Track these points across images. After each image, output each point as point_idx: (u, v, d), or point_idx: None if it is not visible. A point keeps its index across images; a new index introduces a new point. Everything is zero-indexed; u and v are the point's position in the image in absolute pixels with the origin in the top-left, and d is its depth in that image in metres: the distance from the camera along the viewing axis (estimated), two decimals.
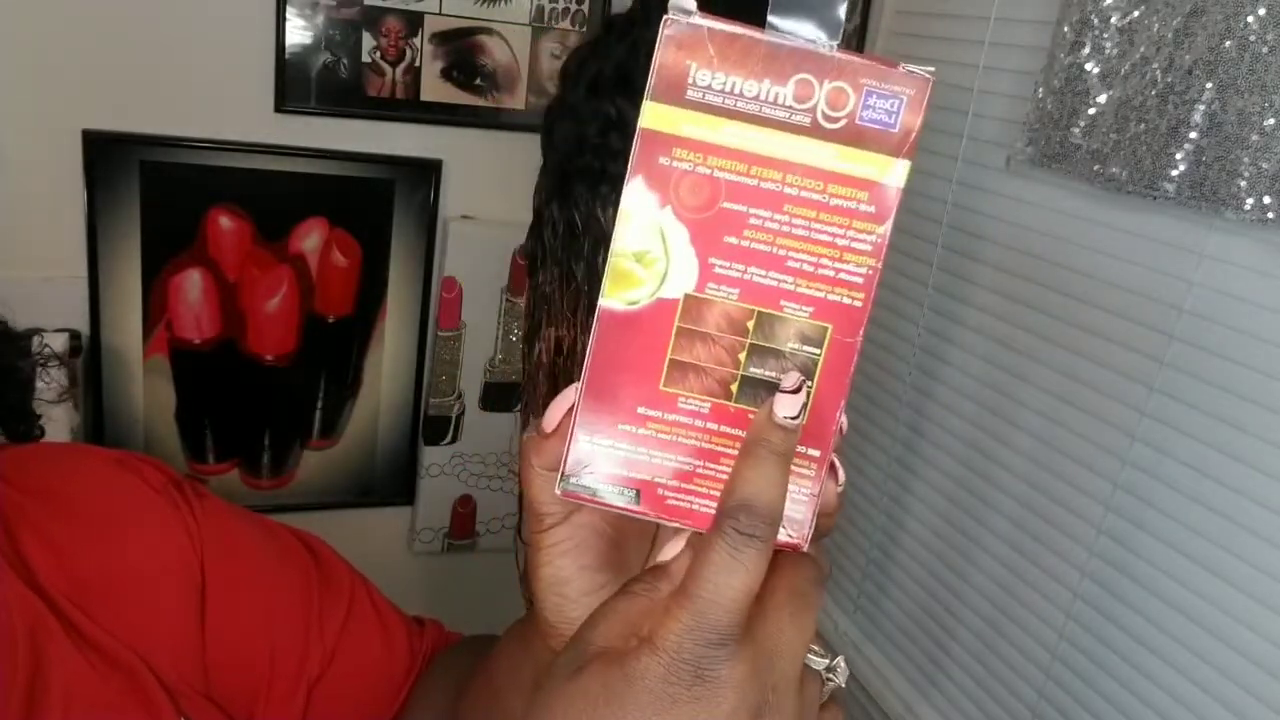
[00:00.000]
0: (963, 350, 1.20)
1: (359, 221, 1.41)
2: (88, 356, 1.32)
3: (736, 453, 0.33)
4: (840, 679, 0.33)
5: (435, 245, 1.46)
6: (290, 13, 1.28)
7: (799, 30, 0.31)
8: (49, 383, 0.66)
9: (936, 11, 1.27)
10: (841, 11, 0.31)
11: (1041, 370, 1.08)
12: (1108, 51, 0.95)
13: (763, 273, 0.31)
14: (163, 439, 1.41)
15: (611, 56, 1.03)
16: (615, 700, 0.28)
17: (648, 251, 0.31)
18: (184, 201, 1.32)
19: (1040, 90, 1.02)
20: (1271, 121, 0.81)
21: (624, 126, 0.98)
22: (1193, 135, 0.87)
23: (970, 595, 1.18)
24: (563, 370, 1.15)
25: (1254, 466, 0.86)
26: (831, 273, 0.32)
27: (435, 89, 1.38)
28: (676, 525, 0.33)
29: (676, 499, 0.33)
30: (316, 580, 0.60)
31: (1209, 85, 0.86)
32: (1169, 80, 0.89)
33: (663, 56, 0.30)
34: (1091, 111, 0.96)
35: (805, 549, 0.33)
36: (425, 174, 1.41)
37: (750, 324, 0.32)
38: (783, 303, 0.32)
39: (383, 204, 1.41)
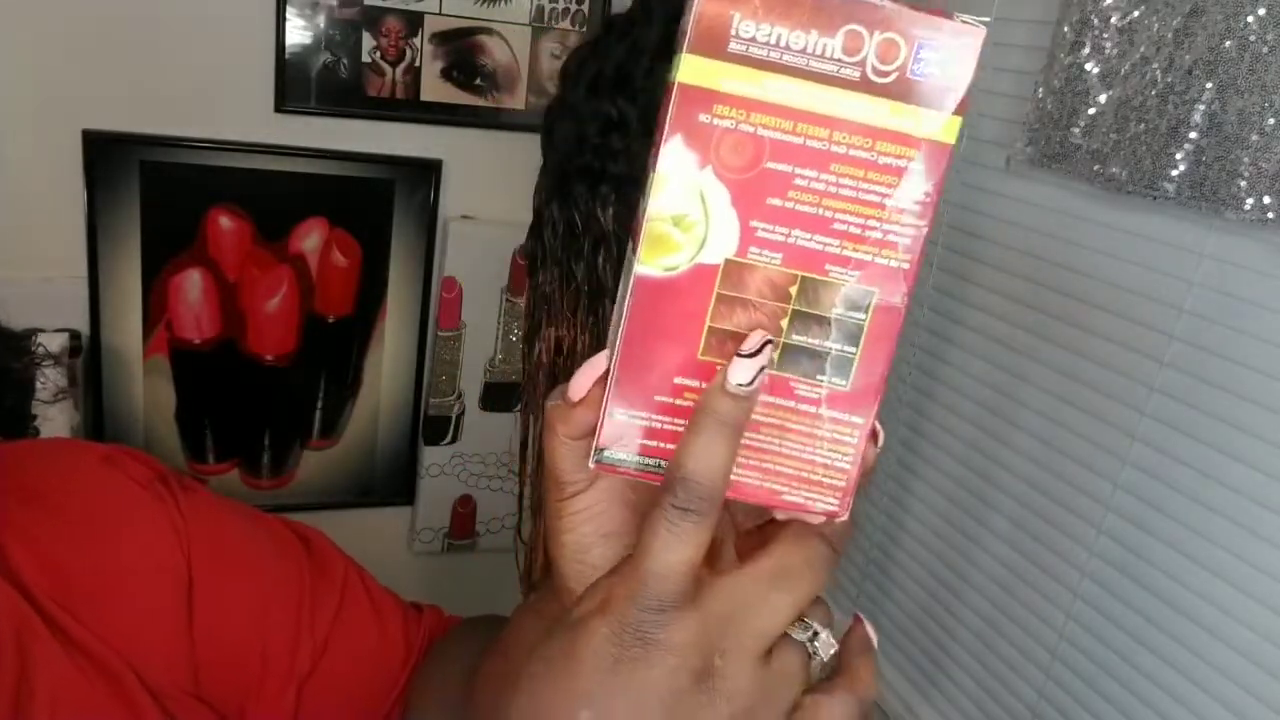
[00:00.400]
0: (963, 350, 1.20)
1: (359, 221, 1.41)
2: (88, 356, 1.32)
3: (776, 423, 0.32)
4: (823, 653, 0.33)
5: (435, 245, 1.46)
6: (290, 13, 1.28)
7: None
8: (44, 383, 0.65)
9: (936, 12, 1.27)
10: None
11: (1041, 370, 1.08)
12: (1108, 51, 0.95)
13: (807, 236, 0.30)
14: (163, 439, 1.41)
15: (611, 56, 1.02)
16: (571, 663, 0.30)
17: (686, 215, 0.30)
18: (184, 201, 1.32)
19: (1040, 90, 1.02)
20: (1271, 121, 0.81)
21: (624, 126, 0.98)
22: (1193, 135, 0.87)
23: (970, 595, 1.18)
24: (563, 370, 1.15)
25: (1254, 466, 0.86)
26: (879, 234, 0.30)
27: (435, 89, 1.38)
28: None
29: None
30: (309, 571, 0.60)
31: (1209, 85, 0.86)
32: (1169, 80, 0.89)
33: (702, 6, 0.28)
34: (1091, 111, 0.96)
35: (844, 518, 0.33)
36: (425, 174, 1.41)
37: (793, 289, 0.31)
38: (828, 266, 0.31)
39: (383, 204, 1.41)
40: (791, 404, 0.32)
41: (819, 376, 0.32)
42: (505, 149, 1.44)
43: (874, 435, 0.33)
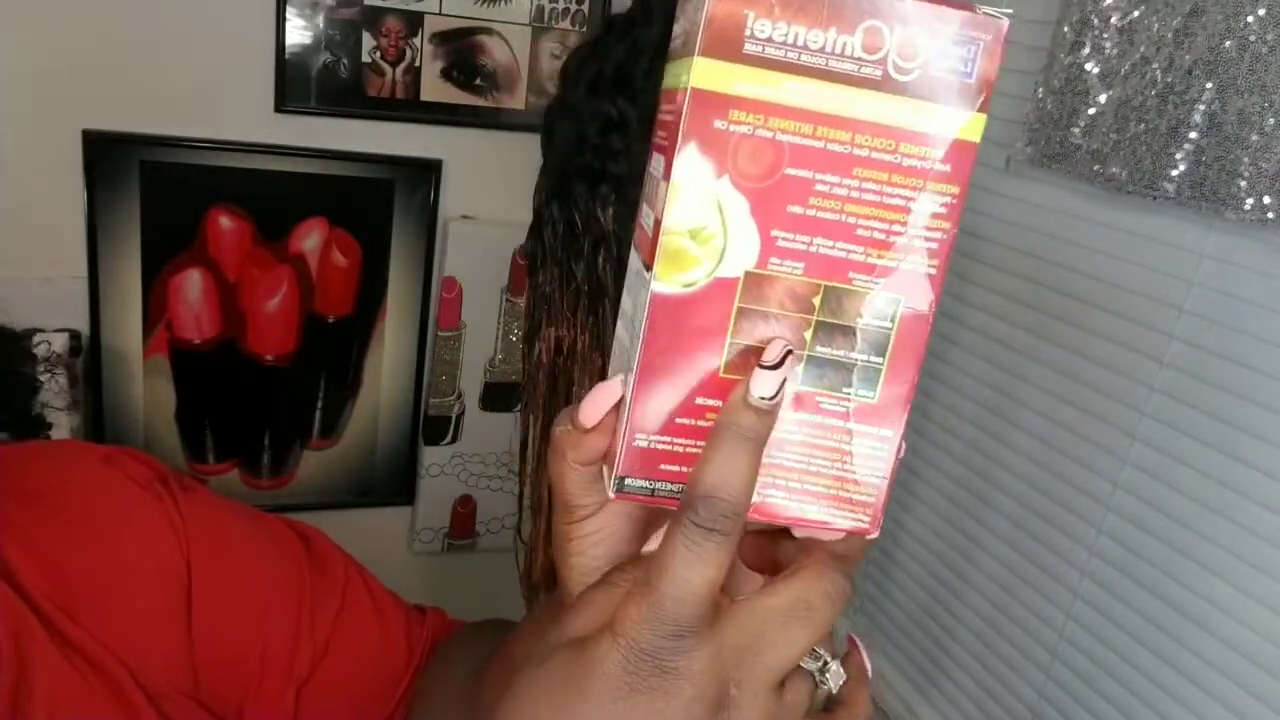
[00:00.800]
0: (963, 350, 1.20)
1: (359, 221, 1.41)
2: (88, 356, 1.32)
3: (802, 439, 0.31)
4: (832, 683, 0.32)
5: (435, 245, 1.46)
6: (290, 13, 1.28)
7: None
8: (58, 390, 0.65)
9: None
10: None
11: (1041, 370, 1.08)
12: (1108, 51, 0.95)
13: (830, 243, 0.29)
14: (163, 439, 1.41)
15: (611, 56, 1.02)
16: (575, 687, 0.28)
17: (704, 227, 0.28)
18: (184, 201, 1.32)
19: (1040, 90, 1.02)
20: (1271, 121, 0.81)
21: (624, 126, 0.98)
22: (1193, 135, 0.87)
23: (970, 595, 1.18)
24: (563, 370, 1.15)
25: (1254, 466, 0.86)
26: (904, 240, 0.29)
27: (435, 89, 1.38)
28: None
29: None
30: (309, 571, 0.59)
31: (1209, 85, 0.86)
32: (1169, 80, 0.89)
33: (714, 6, 0.27)
34: (1091, 111, 0.96)
35: (875, 535, 0.32)
36: (425, 174, 1.41)
37: (816, 300, 0.29)
38: (851, 274, 0.29)
39: (383, 204, 1.41)
40: (818, 419, 0.31)
41: (845, 389, 0.30)
42: (505, 149, 1.44)
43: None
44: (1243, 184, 0.83)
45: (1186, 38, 0.88)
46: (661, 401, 0.30)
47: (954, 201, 0.29)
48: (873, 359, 0.30)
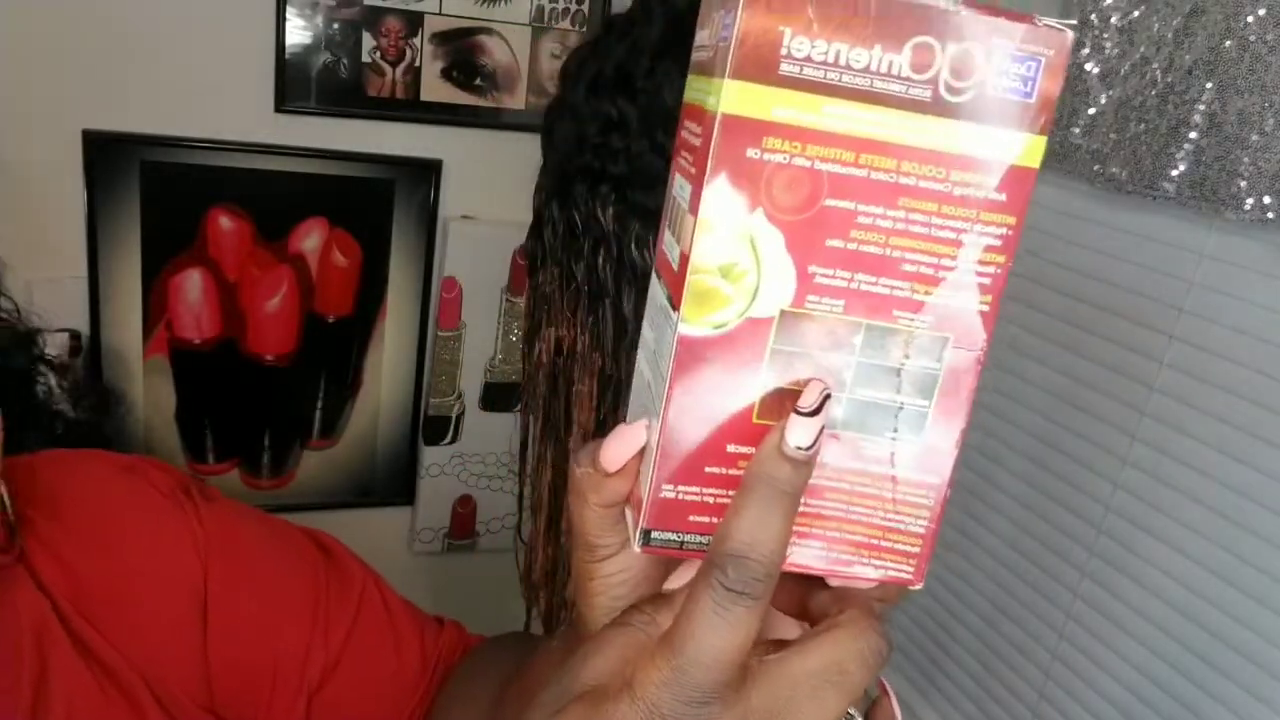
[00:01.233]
0: None
1: (359, 221, 1.41)
2: (88, 356, 1.32)
3: (843, 487, 0.29)
4: None
5: (435, 245, 1.46)
6: (290, 13, 1.28)
7: None
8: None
9: None
10: None
11: (1041, 370, 1.08)
12: (1108, 51, 0.95)
13: (872, 279, 0.27)
14: (163, 439, 1.41)
15: (611, 56, 1.02)
16: None
17: (735, 264, 0.26)
18: (184, 201, 1.32)
19: None
20: (1271, 121, 0.81)
21: (624, 126, 0.98)
22: (1193, 135, 0.87)
23: (970, 595, 1.18)
24: (563, 370, 1.15)
25: (1254, 466, 0.86)
26: (955, 275, 0.27)
27: (435, 89, 1.38)
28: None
29: None
30: (326, 582, 0.59)
31: (1209, 85, 0.86)
32: (1169, 80, 0.89)
33: (747, 22, 0.24)
34: (1091, 111, 0.96)
35: (919, 585, 0.30)
36: (425, 174, 1.41)
37: (858, 339, 0.27)
38: (896, 313, 0.27)
39: (383, 204, 1.41)
40: (859, 465, 0.29)
41: (889, 433, 0.28)
42: (505, 149, 1.44)
43: None
44: (1243, 184, 0.83)
45: (1186, 38, 0.88)
46: (689, 450, 0.28)
47: (1010, 234, 0.27)
48: (918, 401, 0.28)
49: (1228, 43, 0.84)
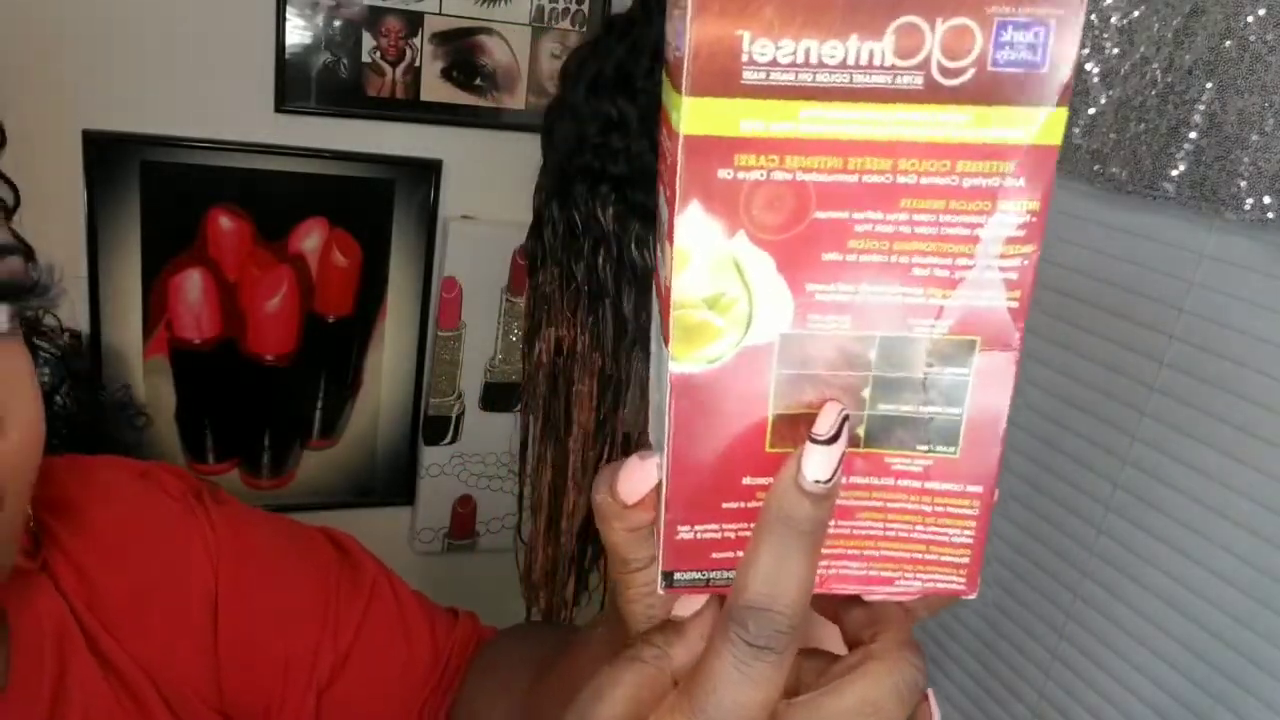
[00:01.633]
0: None
1: (359, 221, 1.41)
2: (88, 356, 1.32)
3: (875, 505, 0.27)
4: None
5: (435, 245, 1.46)
6: (290, 13, 1.28)
7: None
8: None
9: None
10: None
11: (1041, 370, 1.08)
12: (1108, 51, 0.95)
13: (879, 290, 0.24)
14: (163, 439, 1.41)
15: (611, 56, 1.02)
16: None
17: (722, 294, 0.24)
18: (184, 201, 1.32)
19: None
20: (1271, 121, 0.81)
21: (624, 126, 0.98)
22: (1193, 135, 0.87)
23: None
24: (563, 370, 1.15)
25: (1254, 466, 0.86)
26: (975, 273, 0.24)
27: (435, 89, 1.38)
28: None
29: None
30: (338, 580, 0.59)
31: (1209, 85, 0.86)
32: (1169, 80, 0.89)
33: (699, 32, 0.22)
34: (1091, 111, 0.96)
35: (974, 594, 0.28)
36: (425, 174, 1.41)
37: (872, 354, 0.25)
38: (911, 321, 0.25)
39: (383, 204, 1.41)
40: (890, 481, 0.27)
41: (920, 446, 0.26)
42: (505, 149, 1.44)
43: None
44: (1243, 184, 0.83)
45: (1186, 38, 0.88)
46: (702, 489, 0.26)
47: (1034, 220, 0.24)
48: (949, 410, 0.26)
49: (1228, 43, 0.84)
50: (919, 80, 0.23)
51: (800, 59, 0.22)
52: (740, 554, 0.26)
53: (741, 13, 0.22)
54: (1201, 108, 0.86)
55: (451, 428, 1.56)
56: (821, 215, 0.24)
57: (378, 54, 1.33)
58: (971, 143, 0.23)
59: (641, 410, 0.98)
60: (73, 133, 1.24)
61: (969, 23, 0.22)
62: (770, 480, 0.25)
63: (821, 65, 0.22)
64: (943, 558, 0.27)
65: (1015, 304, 0.25)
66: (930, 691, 0.29)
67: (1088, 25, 0.96)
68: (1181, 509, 0.93)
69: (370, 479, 1.56)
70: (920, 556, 0.28)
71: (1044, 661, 1.07)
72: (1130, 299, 0.98)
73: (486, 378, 1.55)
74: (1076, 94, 0.98)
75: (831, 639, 0.29)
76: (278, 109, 1.32)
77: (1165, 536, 0.94)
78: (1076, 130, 0.98)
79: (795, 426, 0.25)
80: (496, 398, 1.57)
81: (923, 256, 0.24)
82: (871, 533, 0.27)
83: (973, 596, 0.28)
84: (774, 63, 0.22)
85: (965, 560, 0.27)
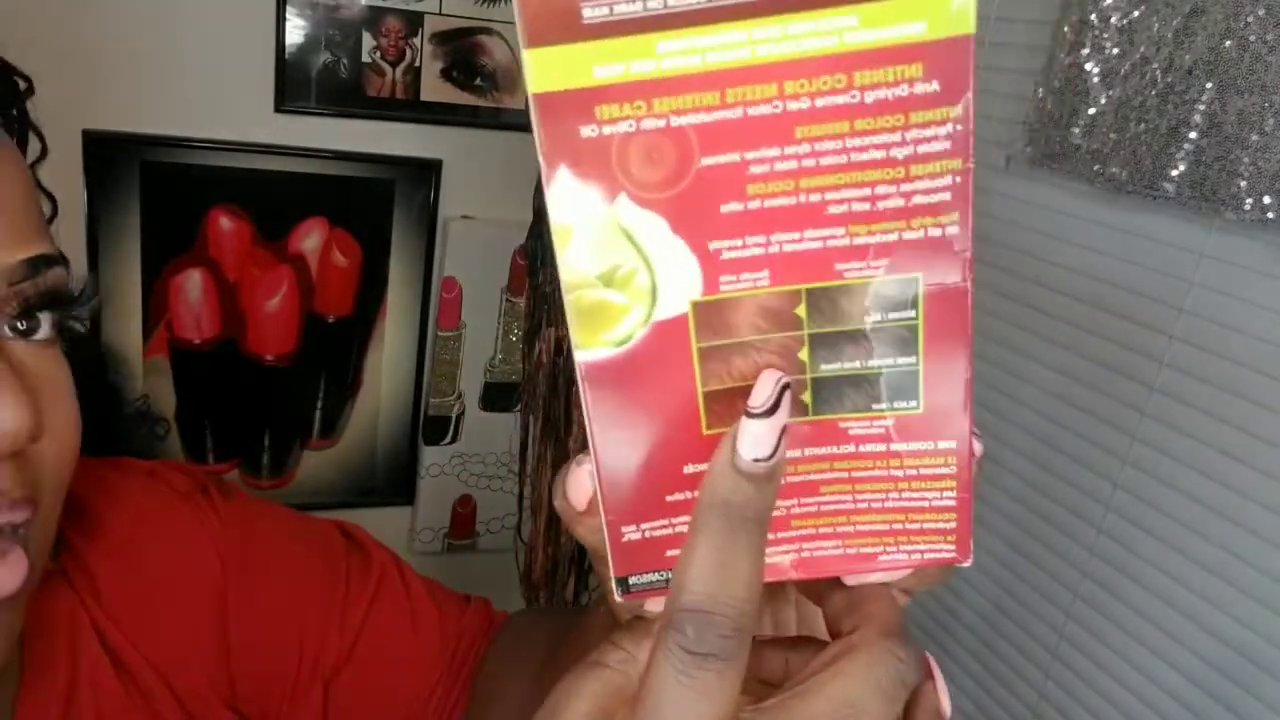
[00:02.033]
0: None
1: (359, 221, 1.41)
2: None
3: (839, 476, 0.24)
4: None
5: (435, 245, 1.46)
6: (290, 13, 1.28)
7: None
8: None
9: None
10: None
11: (1041, 370, 1.08)
12: (1108, 51, 0.95)
13: (794, 236, 0.21)
14: (163, 439, 1.41)
15: None
16: None
17: (617, 268, 0.21)
18: (184, 201, 1.32)
19: (1040, 90, 1.02)
20: (1271, 121, 0.81)
21: None
22: (1193, 135, 0.87)
23: (970, 595, 1.18)
24: (562, 370, 1.15)
25: (1254, 466, 0.86)
26: (900, 201, 0.21)
27: (435, 89, 1.38)
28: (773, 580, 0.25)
29: (776, 554, 0.25)
30: (347, 571, 0.59)
31: (1209, 85, 0.86)
32: (1169, 80, 0.89)
33: None
34: (1091, 111, 0.96)
35: (968, 562, 0.25)
36: (425, 174, 1.41)
37: (800, 310, 0.22)
38: (839, 266, 0.22)
39: (383, 204, 1.41)
40: (851, 448, 0.24)
41: (876, 405, 0.24)
42: (505, 149, 1.44)
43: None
44: (1243, 184, 0.83)
45: (1186, 38, 0.88)
46: (638, 486, 0.23)
47: (959, 130, 0.20)
48: (900, 361, 0.23)
49: (1228, 43, 0.84)
50: None
51: None
52: None
53: None
54: (1201, 108, 0.86)
55: (451, 428, 1.56)
56: (709, 161, 0.21)
57: (378, 54, 1.33)
58: (865, 48, 0.20)
59: None
60: (73, 133, 1.24)
61: None
62: None
63: None
64: (925, 525, 0.25)
65: (956, 228, 0.21)
66: (937, 673, 0.26)
67: (1088, 25, 0.96)
68: (1181, 509, 0.93)
69: (370, 479, 1.56)
70: (901, 527, 0.25)
71: (1044, 661, 1.07)
72: (1130, 299, 0.98)
73: (486, 378, 1.55)
74: (1076, 94, 0.98)
75: (822, 623, 0.27)
76: (278, 109, 1.32)
77: (1165, 536, 0.94)
78: (1076, 130, 0.98)
79: (732, 402, 0.23)
80: (496, 398, 1.57)
81: (835, 191, 0.21)
82: (841, 507, 0.25)
83: (967, 563, 0.25)
84: None
85: (951, 524, 0.25)
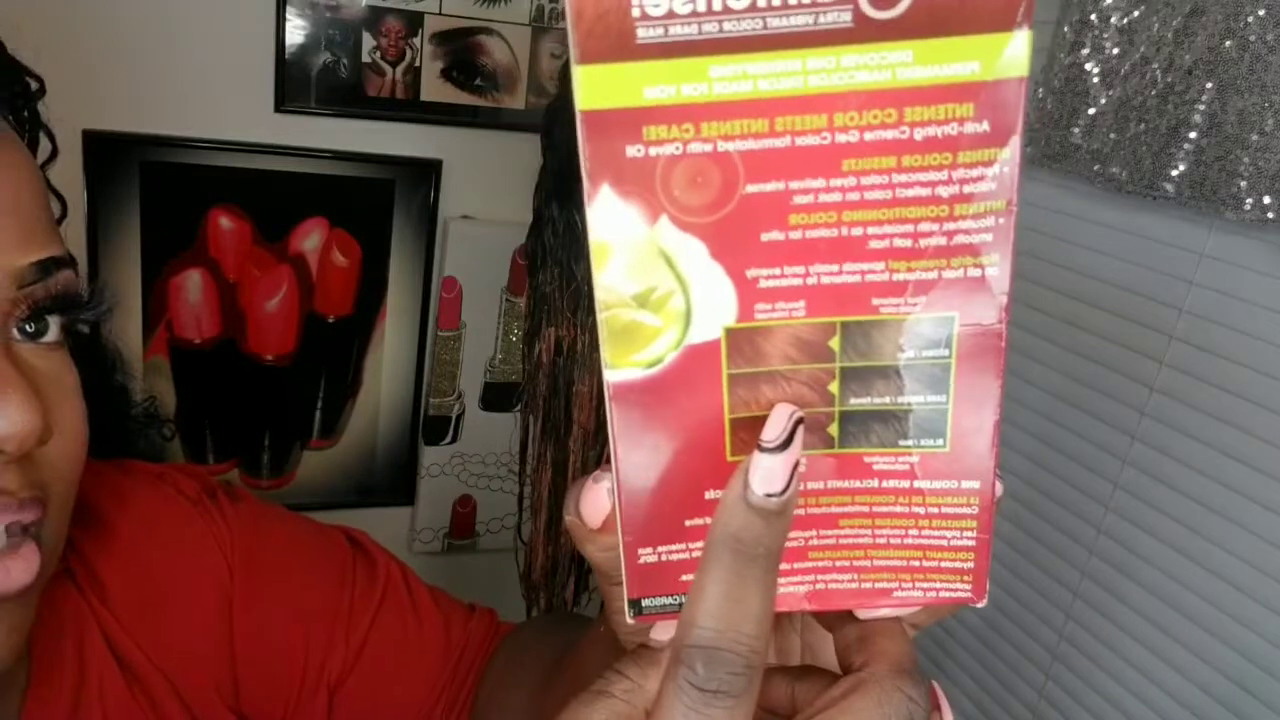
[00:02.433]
0: None
1: (359, 221, 1.41)
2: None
3: (860, 511, 0.24)
4: None
5: (435, 245, 1.46)
6: (290, 13, 1.28)
7: None
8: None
9: None
10: None
11: (1041, 370, 1.08)
12: (1108, 51, 0.95)
13: (834, 268, 0.21)
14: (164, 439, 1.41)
15: None
16: None
17: (653, 290, 0.21)
18: (184, 201, 1.32)
19: (1040, 90, 1.02)
20: (1271, 121, 0.81)
21: None
22: (1193, 135, 0.87)
23: None
24: (562, 370, 1.15)
25: (1254, 466, 0.86)
26: (942, 240, 0.21)
27: (435, 89, 1.38)
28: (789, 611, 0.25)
29: (790, 584, 0.25)
30: (354, 577, 0.59)
31: (1209, 85, 0.86)
32: (1169, 80, 0.89)
33: None
34: (1092, 111, 0.96)
35: (983, 603, 0.25)
36: (425, 174, 1.41)
37: (834, 342, 0.22)
38: (876, 301, 0.22)
39: (383, 204, 1.41)
40: (874, 483, 0.24)
41: (902, 442, 0.23)
42: (505, 149, 1.44)
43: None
44: (1243, 184, 0.83)
45: (1186, 38, 0.88)
46: (659, 507, 0.23)
47: (1005, 171, 0.20)
48: (930, 399, 0.23)
49: (1228, 43, 0.84)
50: (846, 16, 0.19)
51: (701, 6, 0.19)
52: None
53: None
54: (1201, 108, 0.86)
55: (451, 428, 1.56)
56: (753, 189, 0.20)
57: (378, 54, 1.33)
58: (918, 84, 0.19)
59: None
60: (73, 133, 1.24)
61: None
62: None
63: (728, 11, 0.19)
64: (943, 563, 0.25)
65: (995, 270, 0.21)
66: (944, 705, 0.27)
67: (1087, 25, 0.96)
68: (1181, 509, 0.93)
69: (370, 479, 1.56)
70: (918, 564, 0.25)
71: (1044, 661, 1.07)
72: (1130, 299, 0.98)
73: (486, 378, 1.55)
74: (1076, 94, 0.98)
75: (829, 650, 0.27)
76: (277, 109, 1.32)
77: (1165, 536, 0.94)
78: (1076, 130, 0.98)
79: (758, 431, 0.22)
80: (496, 398, 1.57)
81: (878, 226, 0.21)
82: (859, 541, 0.25)
83: (982, 604, 0.25)
84: (671, 14, 0.19)
85: (969, 565, 0.25)
